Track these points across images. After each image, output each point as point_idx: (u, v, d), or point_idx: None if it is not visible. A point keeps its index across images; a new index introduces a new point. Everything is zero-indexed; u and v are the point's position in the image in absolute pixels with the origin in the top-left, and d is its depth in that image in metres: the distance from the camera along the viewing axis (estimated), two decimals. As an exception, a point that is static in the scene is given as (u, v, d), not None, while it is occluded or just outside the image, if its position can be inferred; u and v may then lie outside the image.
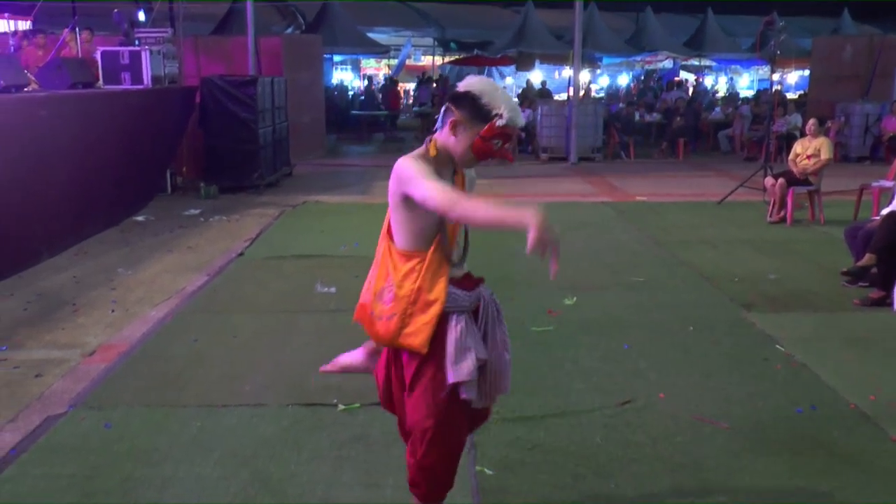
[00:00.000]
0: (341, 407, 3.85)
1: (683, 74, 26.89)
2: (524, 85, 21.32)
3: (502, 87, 2.45)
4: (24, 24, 11.45)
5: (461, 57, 25.45)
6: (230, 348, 4.71)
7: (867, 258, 5.78)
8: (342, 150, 16.53)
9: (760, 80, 28.75)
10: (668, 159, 14.91)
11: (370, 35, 22.24)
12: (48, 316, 5.35)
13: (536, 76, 22.87)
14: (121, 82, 8.93)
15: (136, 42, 9.46)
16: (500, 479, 3.22)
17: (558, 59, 21.97)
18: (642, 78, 26.71)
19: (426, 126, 17.67)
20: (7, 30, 10.95)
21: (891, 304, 5.49)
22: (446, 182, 2.33)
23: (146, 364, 4.45)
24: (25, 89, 7.38)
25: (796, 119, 14.14)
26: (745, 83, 30.35)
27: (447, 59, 27.08)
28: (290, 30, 21.15)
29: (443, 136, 2.40)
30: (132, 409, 3.87)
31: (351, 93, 24.31)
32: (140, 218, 8.81)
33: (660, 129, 16.66)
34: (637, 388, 4.10)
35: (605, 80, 28.45)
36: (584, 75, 21.70)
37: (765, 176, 9.08)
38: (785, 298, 5.72)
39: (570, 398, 3.99)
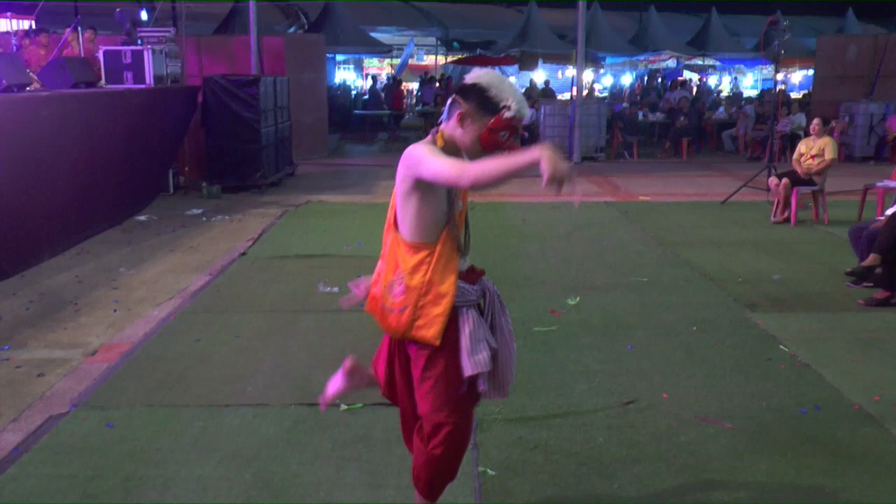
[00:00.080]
0: (344, 407, 3.84)
1: (687, 74, 26.86)
2: (527, 85, 21.30)
3: (509, 80, 2.45)
4: (26, 24, 11.45)
5: (464, 56, 25.44)
6: (232, 348, 4.70)
7: (871, 258, 5.76)
8: (345, 150, 16.53)
9: (764, 80, 28.71)
10: (672, 159, 14.88)
11: (373, 34, 22.24)
12: (50, 315, 5.35)
13: (539, 76, 22.85)
14: (123, 82, 8.93)
15: (139, 41, 9.46)
16: (502, 480, 3.21)
17: (561, 59, 21.95)
18: (646, 77, 26.67)
19: (429, 126, 17.67)
20: (9, 29, 10.95)
21: (895, 305, 5.47)
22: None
23: (148, 364, 4.45)
24: (28, 89, 7.37)
25: (800, 119, 14.10)
26: (749, 83, 30.30)
27: (450, 58, 27.08)
28: (292, 29, 21.17)
29: (449, 128, 2.42)
30: (134, 408, 3.87)
31: (354, 92, 24.30)
32: (142, 217, 8.81)
33: (663, 129, 16.64)
34: (640, 389, 4.09)
35: (608, 79, 28.42)
36: (588, 75, 21.70)
37: (769, 176, 9.05)
38: (789, 299, 5.70)
39: (572, 398, 3.98)
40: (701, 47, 24.16)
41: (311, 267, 6.57)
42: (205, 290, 5.95)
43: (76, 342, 4.85)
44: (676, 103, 16.48)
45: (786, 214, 8.49)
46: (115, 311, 5.46)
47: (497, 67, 22.83)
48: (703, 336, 4.90)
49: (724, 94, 24.42)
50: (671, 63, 26.43)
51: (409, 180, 2.37)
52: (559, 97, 19.65)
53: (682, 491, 3.15)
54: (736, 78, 30.28)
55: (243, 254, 7.10)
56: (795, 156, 8.73)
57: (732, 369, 4.36)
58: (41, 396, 4.02)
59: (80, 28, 10.06)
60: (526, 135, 14.78)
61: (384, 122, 21.32)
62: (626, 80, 27.67)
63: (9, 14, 11.29)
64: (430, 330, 2.42)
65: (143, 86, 8.97)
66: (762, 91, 23.61)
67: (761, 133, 14.74)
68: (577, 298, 5.64)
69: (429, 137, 2.46)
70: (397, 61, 26.81)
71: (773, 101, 11.42)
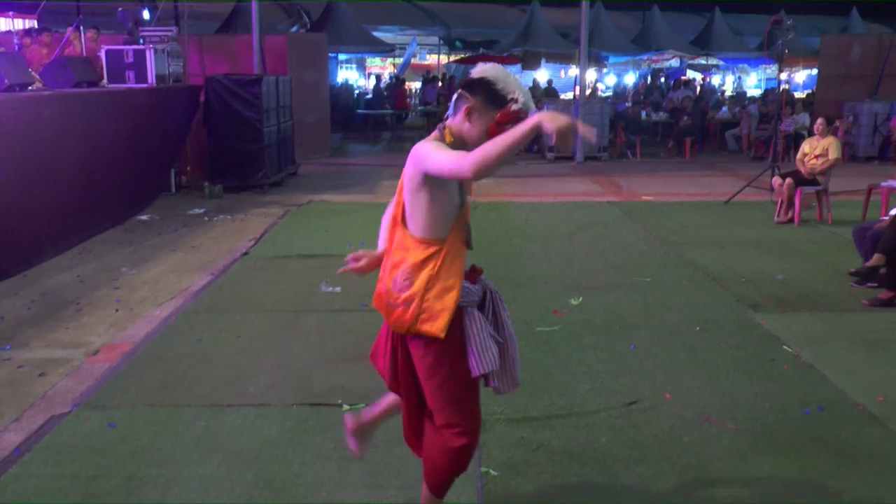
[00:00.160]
0: (346, 407, 3.83)
1: (690, 73, 26.82)
2: (530, 84, 21.28)
3: (513, 74, 2.47)
4: (29, 23, 11.45)
5: (466, 56, 25.42)
6: (234, 348, 4.70)
7: (876, 258, 5.74)
8: (347, 150, 16.52)
9: (768, 80, 28.66)
10: (675, 159, 14.85)
11: (375, 34, 22.23)
12: (52, 315, 5.35)
13: (542, 75, 22.82)
14: (125, 81, 8.92)
15: (141, 41, 9.45)
16: (504, 480, 3.20)
17: (564, 58, 21.94)
18: (649, 77, 26.64)
19: (432, 125, 17.65)
20: (12, 28, 10.96)
21: (900, 305, 5.46)
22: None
23: (150, 364, 4.44)
24: (30, 88, 7.37)
25: (804, 118, 14.07)
26: (753, 82, 30.25)
27: (452, 57, 27.06)
28: (295, 28, 21.17)
29: (456, 123, 2.44)
30: (136, 408, 3.86)
31: (357, 92, 24.28)
32: (144, 217, 8.81)
33: (666, 129, 16.61)
34: (643, 389, 4.08)
35: (611, 79, 28.39)
36: (591, 74, 21.66)
37: (772, 176, 9.03)
38: (792, 299, 5.68)
39: (575, 399, 3.97)
40: (704, 47, 24.12)
41: (314, 267, 6.56)
42: (207, 289, 5.94)
43: (78, 342, 4.84)
44: (680, 103, 16.45)
45: (789, 214, 8.47)
46: (116, 310, 5.46)
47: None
48: (706, 336, 4.89)
49: (728, 93, 24.39)
50: (674, 62, 26.39)
51: (417, 177, 2.38)
52: (562, 97, 19.62)
53: (685, 491, 3.14)
54: (739, 77, 30.23)
55: (245, 253, 7.09)
56: (799, 155, 8.70)
57: (735, 370, 4.35)
58: (43, 396, 4.02)
59: (82, 27, 10.06)
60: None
61: (387, 122, 21.30)
62: (630, 79, 27.65)
63: (11, 13, 11.30)
64: (434, 324, 2.43)
65: (145, 85, 8.97)
66: (766, 90, 23.58)
67: (765, 133, 14.71)
68: (580, 298, 5.62)
69: (435, 133, 2.47)
70: (400, 60, 26.79)
71: (776, 101, 11.38)
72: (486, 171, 2.17)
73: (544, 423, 3.69)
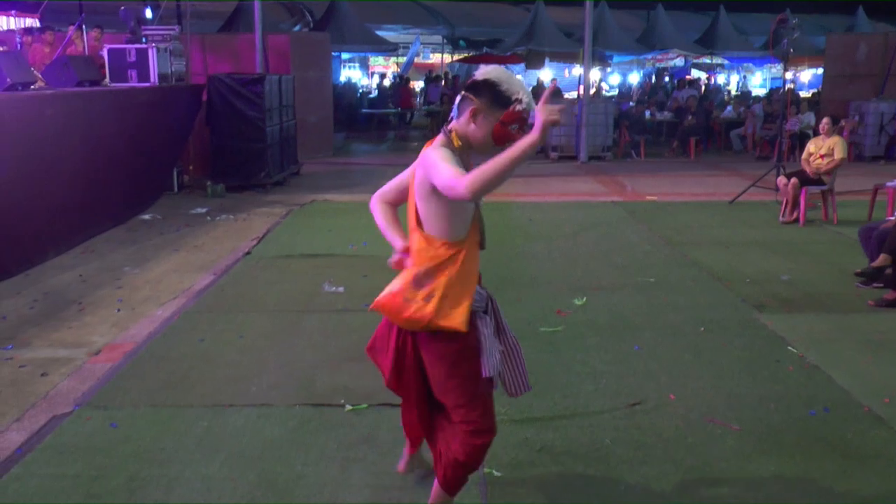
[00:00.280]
0: (349, 407, 3.83)
1: (695, 73, 26.76)
2: (534, 83, 21.25)
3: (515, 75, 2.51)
4: (31, 21, 11.44)
5: (470, 55, 25.41)
6: (237, 348, 4.69)
7: (882, 259, 5.72)
8: (350, 149, 16.52)
9: (773, 79, 28.60)
10: (680, 158, 14.82)
11: (378, 33, 22.21)
12: (54, 315, 5.34)
13: (546, 74, 22.80)
14: (127, 80, 8.91)
15: (143, 40, 9.45)
16: (508, 481, 3.19)
17: (568, 58, 21.90)
18: (653, 76, 26.59)
19: (435, 125, 17.64)
20: (14, 27, 10.96)
21: (905, 306, 5.42)
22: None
23: (152, 364, 4.43)
24: (32, 87, 7.36)
25: (809, 118, 14.01)
26: (758, 81, 30.19)
27: (456, 56, 27.04)
28: (297, 27, 21.16)
29: (461, 125, 2.47)
30: (138, 408, 3.85)
31: (361, 91, 24.27)
32: (147, 216, 8.81)
33: (671, 128, 16.56)
34: (647, 390, 4.06)
35: (615, 78, 28.35)
36: (595, 73, 21.62)
37: (777, 175, 9.00)
38: (798, 299, 5.66)
39: (579, 399, 3.95)
40: (709, 46, 24.05)
41: (316, 266, 6.55)
42: (209, 289, 5.93)
43: (80, 342, 4.84)
44: (684, 102, 16.40)
45: (795, 214, 8.43)
46: (119, 310, 5.45)
47: (503, 66, 22.84)
48: (710, 337, 4.86)
49: (733, 92, 24.32)
50: (679, 62, 26.33)
51: (427, 184, 2.42)
52: (566, 96, 19.59)
53: (689, 492, 3.12)
54: (744, 77, 30.15)
55: (248, 253, 7.08)
56: (804, 155, 8.67)
57: (740, 370, 4.33)
58: (45, 396, 4.01)
59: (84, 26, 10.06)
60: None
61: (390, 121, 21.29)
62: (634, 78, 27.61)
63: (13, 12, 11.30)
64: (456, 319, 2.47)
65: (147, 84, 8.96)
66: (771, 90, 23.53)
67: (770, 132, 14.66)
68: (584, 299, 5.60)
69: (441, 137, 2.48)
70: (403, 59, 26.78)
71: (781, 100, 11.36)
72: (484, 191, 2.18)
73: (548, 424, 3.67)
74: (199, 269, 6.56)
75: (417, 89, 22.94)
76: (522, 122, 2.42)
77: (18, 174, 6.21)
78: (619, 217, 8.84)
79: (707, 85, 24.04)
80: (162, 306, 5.54)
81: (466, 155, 2.50)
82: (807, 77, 27.74)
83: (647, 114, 16.69)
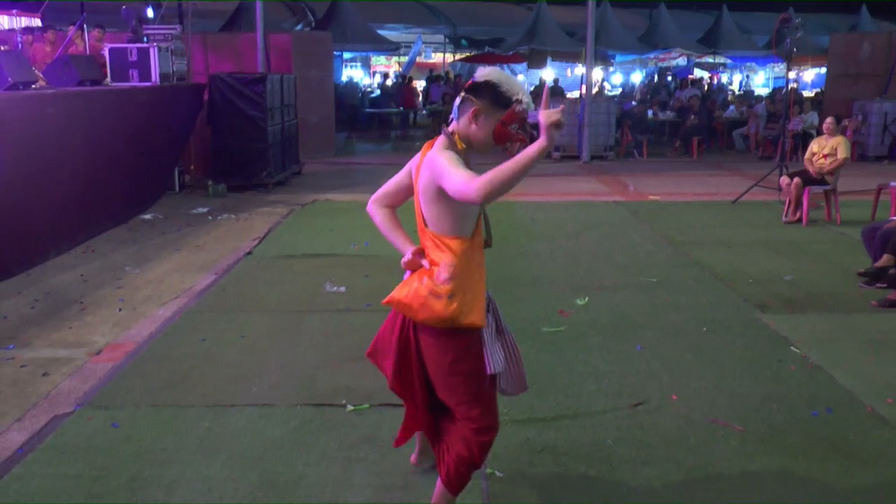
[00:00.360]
0: (350, 408, 3.82)
1: (698, 72, 26.71)
2: (536, 83, 21.23)
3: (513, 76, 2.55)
4: (31, 21, 11.45)
5: (472, 54, 25.38)
6: (238, 348, 4.68)
7: (885, 259, 5.71)
8: (352, 149, 16.51)
9: (776, 78, 28.54)
10: (682, 158, 14.79)
11: (380, 32, 22.19)
12: (55, 314, 5.34)
13: (548, 74, 22.77)
14: (129, 79, 8.90)
15: (145, 39, 9.44)
16: (510, 482, 3.18)
17: (571, 57, 21.86)
18: (655, 76, 26.55)
19: (437, 124, 17.62)
20: (15, 26, 10.96)
21: (909, 306, 5.41)
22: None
23: (153, 363, 4.43)
24: (33, 86, 7.36)
25: (812, 117, 13.98)
26: (761, 81, 30.13)
27: (458, 56, 27.00)
28: (299, 27, 21.14)
29: (463, 126, 2.51)
30: (139, 408, 3.85)
31: (363, 90, 24.25)
32: (148, 216, 8.81)
33: (673, 128, 16.54)
34: (650, 390, 4.05)
35: (617, 77, 28.32)
36: (597, 73, 21.60)
37: (780, 175, 8.98)
38: (800, 299, 5.64)
39: (581, 399, 3.94)
40: (712, 45, 24.01)
41: (318, 266, 6.54)
42: (210, 289, 5.93)
43: (81, 341, 4.83)
44: (687, 102, 16.38)
45: (797, 214, 8.41)
46: (120, 310, 5.45)
47: (506, 65, 22.83)
48: (713, 337, 4.85)
49: (735, 91, 24.28)
50: (682, 61, 26.29)
51: (434, 187, 2.45)
52: (568, 95, 19.57)
53: (691, 493, 3.11)
54: (747, 76, 30.10)
55: (249, 253, 7.08)
56: (807, 155, 8.65)
57: (743, 370, 4.31)
58: (46, 396, 4.01)
59: (85, 25, 10.05)
60: (535, 133, 14.69)
61: (392, 121, 21.26)
62: (636, 78, 27.57)
63: (15, 11, 11.30)
64: (475, 315, 2.52)
65: (148, 84, 8.95)
66: (774, 89, 23.46)
67: (773, 132, 14.63)
68: (586, 298, 5.59)
69: (443, 139, 2.51)
70: (405, 59, 26.76)
71: (784, 100, 11.33)
72: (494, 196, 2.22)
73: (550, 424, 3.66)
74: (201, 268, 6.56)
75: (419, 89, 22.91)
76: (522, 122, 2.47)
77: (19, 174, 6.21)
78: (622, 217, 8.83)
79: (711, 85, 24.01)
80: (163, 306, 5.53)
81: (467, 155, 2.53)
82: (810, 76, 27.69)
83: (650, 113, 16.66)
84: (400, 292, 2.59)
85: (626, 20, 23.90)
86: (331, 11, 20.43)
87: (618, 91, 24.56)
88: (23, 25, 10.99)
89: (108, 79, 9.00)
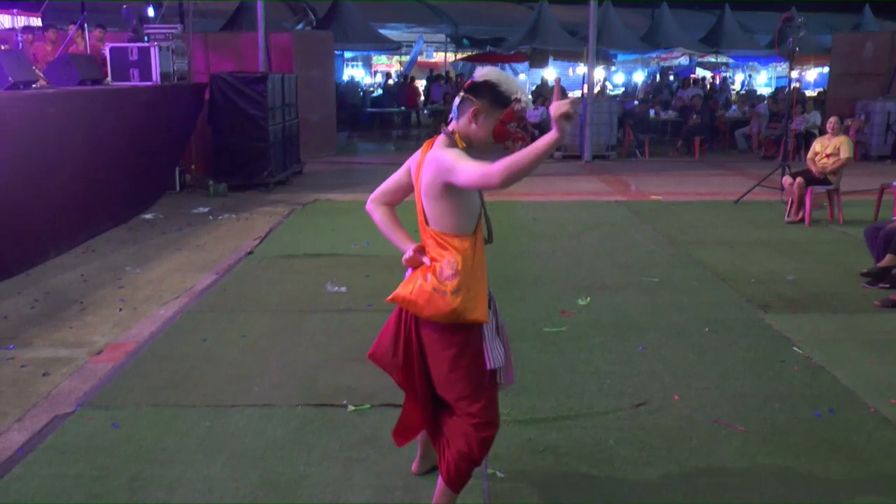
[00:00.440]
0: (351, 408, 3.81)
1: (700, 71, 26.68)
2: (538, 82, 21.21)
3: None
4: (24, 21, 11.43)
5: (474, 53, 25.36)
6: (239, 348, 4.67)
7: (888, 259, 5.70)
8: (354, 148, 16.51)
9: (778, 78, 28.50)
10: (684, 158, 14.77)
11: (382, 31, 22.19)
12: (56, 314, 5.33)
13: (550, 73, 22.75)
14: (129, 79, 8.89)
15: (146, 38, 9.44)
16: (511, 482, 3.17)
17: (572, 56, 21.83)
18: (657, 75, 26.52)
19: (438, 124, 17.60)
20: (15, 26, 10.95)
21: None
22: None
23: (154, 363, 4.42)
24: (34, 86, 7.35)
25: (815, 117, 13.95)
26: (763, 80, 30.09)
27: (459, 55, 26.98)
28: (300, 26, 21.12)
29: (462, 126, 2.56)
30: (140, 408, 3.84)
31: (364, 90, 24.24)
32: (148, 216, 8.80)
33: (675, 127, 16.52)
34: (652, 390, 4.03)
35: (619, 77, 28.29)
36: (599, 72, 21.58)
37: (782, 175, 8.96)
38: (803, 300, 5.63)
39: (583, 400, 3.93)
40: (714, 44, 23.98)
41: (319, 266, 6.53)
42: (211, 289, 5.92)
43: (81, 341, 4.83)
44: (689, 101, 16.35)
45: (800, 214, 8.39)
46: (120, 310, 5.44)
47: (508, 65, 22.83)
48: (715, 337, 4.84)
49: (737, 91, 24.25)
50: (684, 60, 26.26)
51: (438, 184, 2.48)
52: (570, 95, 19.52)
53: (693, 494, 3.10)
54: (750, 75, 30.06)
55: (250, 253, 7.07)
56: (810, 154, 8.63)
57: (745, 371, 4.30)
58: (46, 396, 4.01)
59: (86, 25, 10.05)
60: (536, 133, 14.70)
61: (394, 120, 21.25)
62: (638, 77, 27.54)
63: (15, 10, 11.29)
64: (479, 311, 2.55)
65: (149, 83, 8.94)
66: (776, 89, 23.42)
67: (775, 131, 14.61)
68: (588, 298, 5.58)
69: (443, 139, 2.56)
70: (406, 58, 26.75)
71: (787, 99, 11.28)
72: (512, 180, 2.28)
73: (552, 425, 3.65)
74: (202, 268, 6.55)
75: (421, 88, 22.91)
76: (521, 121, 2.53)
77: (20, 173, 6.20)
78: (623, 216, 8.81)
79: (714, 84, 23.96)
80: (164, 306, 5.52)
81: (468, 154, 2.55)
82: (813, 76, 27.65)
83: (652, 113, 16.64)
84: (404, 289, 2.61)
85: (628, 19, 23.88)
86: (332, 11, 20.43)
87: (620, 90, 24.54)
88: (20, 25, 10.98)
89: (109, 78, 9.00)
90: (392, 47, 23.09)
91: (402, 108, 20.61)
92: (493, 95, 2.50)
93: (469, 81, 2.58)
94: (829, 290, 5.86)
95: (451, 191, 2.48)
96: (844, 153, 8.23)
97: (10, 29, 10.84)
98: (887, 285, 5.75)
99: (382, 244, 2.53)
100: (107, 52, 9.01)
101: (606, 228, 8.14)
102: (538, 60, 22.20)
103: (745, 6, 25.41)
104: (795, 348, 4.64)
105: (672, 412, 3.79)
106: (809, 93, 21.71)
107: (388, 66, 29.07)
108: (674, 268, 6.51)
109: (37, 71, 7.99)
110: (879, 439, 3.53)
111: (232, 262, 6.71)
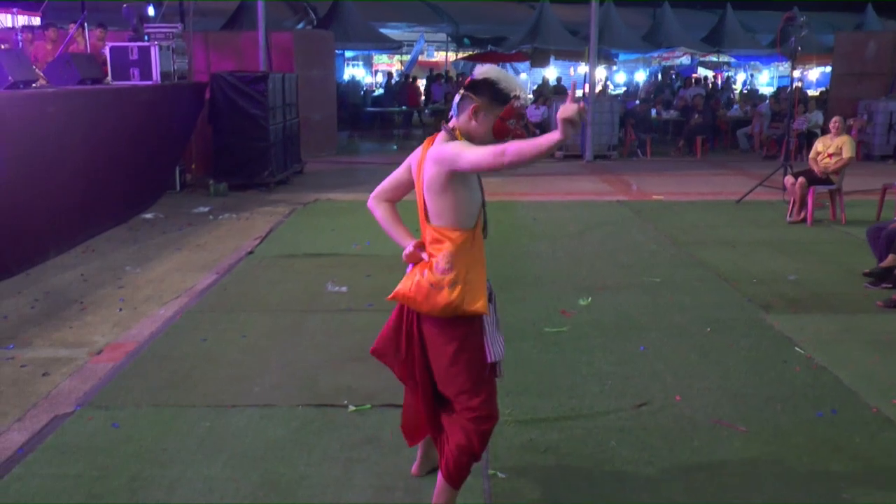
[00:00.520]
0: (352, 408, 3.81)
1: (702, 71, 26.65)
2: (539, 81, 21.20)
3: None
4: (24, 20, 11.43)
5: (475, 53, 25.34)
6: (239, 348, 4.66)
7: (890, 259, 5.68)
8: (354, 148, 16.50)
9: (780, 77, 28.48)
10: (686, 158, 14.75)
11: (382, 30, 22.18)
12: (56, 314, 5.33)
13: (551, 73, 22.74)
14: (130, 78, 8.88)
15: (146, 37, 9.42)
16: (512, 483, 3.16)
17: (574, 56, 21.82)
18: (659, 75, 26.49)
19: (439, 123, 17.57)
20: (15, 25, 10.95)
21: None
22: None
23: (154, 363, 4.41)
24: (34, 85, 7.34)
25: (817, 117, 13.92)
26: (765, 80, 30.07)
27: (460, 54, 26.97)
28: (301, 25, 21.11)
29: (462, 123, 2.59)
30: (140, 408, 3.83)
31: (365, 89, 24.23)
32: (149, 215, 8.80)
33: (677, 127, 16.50)
34: (653, 391, 4.02)
35: (621, 76, 28.27)
36: (600, 72, 21.57)
37: (784, 175, 8.94)
38: (805, 300, 5.61)
39: (584, 400, 3.92)
40: (716, 44, 23.96)
41: (320, 266, 6.52)
42: (211, 289, 5.91)
43: (81, 341, 4.82)
44: (691, 101, 16.33)
45: (802, 214, 8.38)
46: (120, 309, 5.44)
47: (509, 64, 22.83)
48: (717, 337, 4.82)
49: (738, 90, 24.23)
50: (685, 60, 26.23)
51: (443, 176, 2.52)
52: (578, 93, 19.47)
53: (694, 495, 3.09)
54: (752, 75, 30.03)
55: (250, 252, 7.06)
56: (812, 154, 8.61)
57: (747, 371, 4.29)
58: (46, 396, 4.00)
59: (86, 24, 10.04)
60: (537, 132, 14.68)
61: (394, 120, 21.24)
62: (640, 77, 27.52)
63: (15, 10, 11.29)
64: (477, 303, 2.57)
65: (149, 82, 8.93)
66: (778, 88, 23.39)
67: (777, 131, 14.58)
68: (589, 299, 5.57)
69: (444, 135, 2.59)
70: (407, 58, 26.73)
71: (789, 99, 11.25)
72: (517, 164, 2.34)
73: (553, 425, 3.64)
74: (202, 268, 6.54)
75: (422, 88, 22.91)
76: (520, 118, 2.56)
77: (20, 173, 6.19)
78: (625, 216, 8.80)
79: (715, 84, 23.92)
80: (164, 306, 5.52)
81: None
82: (815, 75, 27.61)
83: (653, 112, 16.61)
84: (404, 286, 2.64)
85: (629, 19, 23.86)
86: (333, 10, 20.42)
87: (621, 90, 24.52)
88: (20, 24, 10.97)
89: (109, 77, 8.99)
90: (393, 47, 23.08)
91: (403, 107, 20.61)
92: (492, 92, 2.53)
93: (469, 79, 2.61)
94: (831, 290, 5.85)
95: (455, 183, 2.52)
96: (847, 153, 8.21)
97: (9, 28, 10.84)
98: (890, 285, 5.74)
99: (383, 244, 2.52)
100: (107, 52, 8.99)
101: (608, 228, 8.13)
102: (539, 60, 22.19)
103: (747, 5, 25.37)
104: (797, 348, 4.63)
105: (673, 412, 3.78)
106: (811, 92, 21.69)
107: (389, 65, 29.05)
108: (675, 268, 6.49)
109: (37, 70, 7.97)
110: (882, 440, 3.52)
111: (232, 262, 6.70)
